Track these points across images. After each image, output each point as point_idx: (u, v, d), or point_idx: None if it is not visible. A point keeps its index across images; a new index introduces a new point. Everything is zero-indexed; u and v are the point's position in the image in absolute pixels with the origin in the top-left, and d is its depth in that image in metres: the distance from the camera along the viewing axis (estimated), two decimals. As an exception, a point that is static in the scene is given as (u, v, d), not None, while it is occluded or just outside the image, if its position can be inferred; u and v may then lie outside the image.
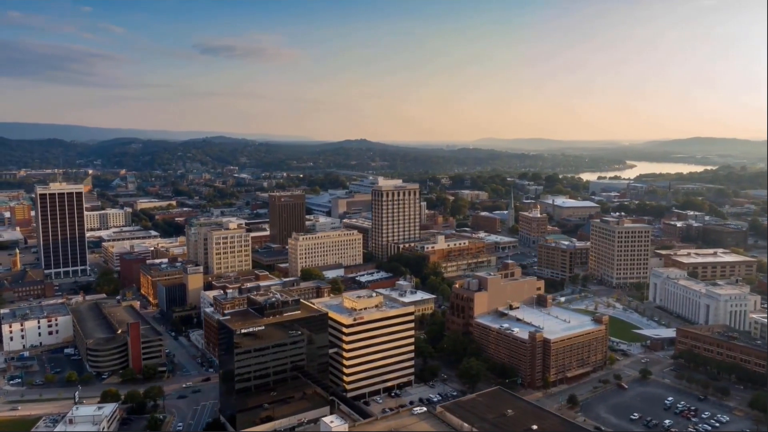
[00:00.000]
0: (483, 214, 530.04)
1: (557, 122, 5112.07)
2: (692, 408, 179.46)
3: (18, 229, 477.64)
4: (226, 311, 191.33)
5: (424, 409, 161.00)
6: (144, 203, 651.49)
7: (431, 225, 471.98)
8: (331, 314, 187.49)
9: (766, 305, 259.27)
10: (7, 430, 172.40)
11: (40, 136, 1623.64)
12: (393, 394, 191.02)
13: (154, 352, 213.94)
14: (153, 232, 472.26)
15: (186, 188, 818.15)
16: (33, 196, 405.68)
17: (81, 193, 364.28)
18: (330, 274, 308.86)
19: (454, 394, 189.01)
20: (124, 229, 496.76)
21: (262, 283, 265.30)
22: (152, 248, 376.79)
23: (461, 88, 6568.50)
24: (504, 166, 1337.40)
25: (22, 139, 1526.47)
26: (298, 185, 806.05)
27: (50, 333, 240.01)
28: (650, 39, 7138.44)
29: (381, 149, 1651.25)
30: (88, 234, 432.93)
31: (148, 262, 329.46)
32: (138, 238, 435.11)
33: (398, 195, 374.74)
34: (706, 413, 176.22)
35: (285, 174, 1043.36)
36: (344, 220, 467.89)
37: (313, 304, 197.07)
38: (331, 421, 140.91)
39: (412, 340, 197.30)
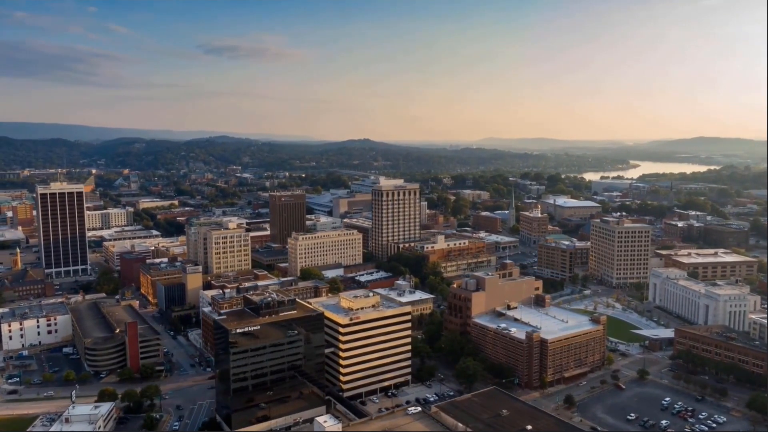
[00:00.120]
0: (484, 213, 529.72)
1: (561, 122, 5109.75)
2: (689, 408, 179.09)
3: (20, 228, 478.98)
4: (222, 311, 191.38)
5: (419, 409, 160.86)
6: (146, 203, 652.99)
7: (432, 225, 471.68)
8: (328, 314, 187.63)
9: (766, 306, 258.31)
10: (3, 428, 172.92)
11: (45, 136, 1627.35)
12: (390, 394, 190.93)
13: (151, 351, 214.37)
14: (154, 232, 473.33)
15: (188, 188, 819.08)
16: (35, 195, 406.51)
17: (82, 192, 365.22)
18: (329, 274, 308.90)
19: (451, 394, 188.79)
20: (126, 228, 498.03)
21: (261, 283, 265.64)
22: (153, 248, 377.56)
23: (466, 88, 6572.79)
24: (507, 165, 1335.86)
25: (26, 138, 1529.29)
26: (300, 185, 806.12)
27: (49, 332, 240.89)
28: (654, 39, 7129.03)
29: (384, 149, 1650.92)
30: (89, 233, 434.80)
31: (148, 261, 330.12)
32: (139, 237, 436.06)
33: (398, 195, 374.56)
34: (704, 414, 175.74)
35: (287, 174, 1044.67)
36: (344, 220, 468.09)
37: (310, 303, 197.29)
38: (325, 421, 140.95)
39: (408, 340, 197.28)
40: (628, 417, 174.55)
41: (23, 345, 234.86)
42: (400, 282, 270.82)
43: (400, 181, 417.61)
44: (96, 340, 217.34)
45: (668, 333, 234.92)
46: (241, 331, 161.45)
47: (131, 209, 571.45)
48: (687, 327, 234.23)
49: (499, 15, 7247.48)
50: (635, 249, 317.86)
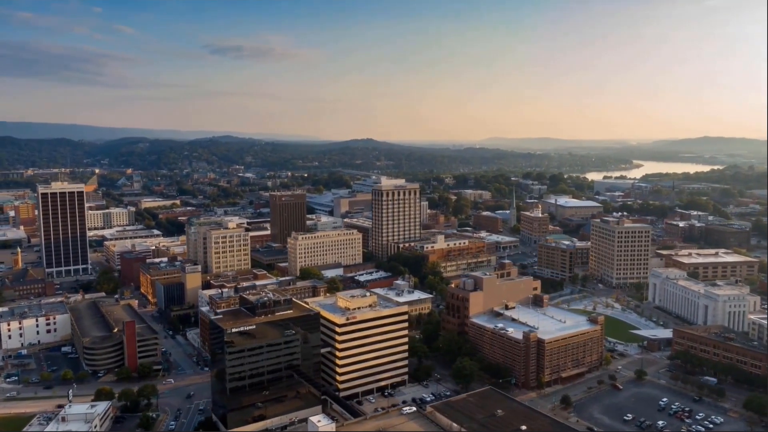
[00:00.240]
0: (485, 213, 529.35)
1: (565, 122, 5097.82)
2: (686, 409, 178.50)
3: (22, 228, 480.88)
4: (218, 310, 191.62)
5: (414, 408, 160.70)
6: (148, 202, 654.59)
7: (433, 224, 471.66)
8: (324, 313, 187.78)
9: (766, 306, 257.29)
10: (1, 427, 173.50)
11: (49, 136, 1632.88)
12: (386, 393, 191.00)
13: (149, 350, 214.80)
14: (155, 231, 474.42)
15: (190, 187, 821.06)
16: (36, 195, 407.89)
17: (82, 192, 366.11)
18: (329, 274, 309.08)
19: (448, 393, 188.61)
20: (127, 228, 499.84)
21: (259, 283, 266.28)
22: (153, 247, 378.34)
23: (470, 89, 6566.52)
24: (510, 165, 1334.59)
25: (30, 138, 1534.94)
26: (303, 184, 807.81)
27: (48, 331, 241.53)
28: (658, 39, 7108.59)
29: (386, 148, 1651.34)
30: (91, 233, 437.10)
31: (148, 261, 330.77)
32: (140, 237, 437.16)
33: (398, 195, 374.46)
34: (701, 414, 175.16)
35: (290, 173, 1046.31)
36: (345, 220, 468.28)
37: (307, 303, 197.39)
38: (319, 421, 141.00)
39: (405, 339, 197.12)
40: (625, 417, 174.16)
41: (22, 344, 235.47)
42: (398, 282, 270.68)
43: (401, 181, 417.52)
44: (94, 339, 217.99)
45: (667, 333, 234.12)
46: (236, 330, 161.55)
47: (133, 209, 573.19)
48: (685, 327, 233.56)
49: (504, 15, 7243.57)
50: (635, 249, 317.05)
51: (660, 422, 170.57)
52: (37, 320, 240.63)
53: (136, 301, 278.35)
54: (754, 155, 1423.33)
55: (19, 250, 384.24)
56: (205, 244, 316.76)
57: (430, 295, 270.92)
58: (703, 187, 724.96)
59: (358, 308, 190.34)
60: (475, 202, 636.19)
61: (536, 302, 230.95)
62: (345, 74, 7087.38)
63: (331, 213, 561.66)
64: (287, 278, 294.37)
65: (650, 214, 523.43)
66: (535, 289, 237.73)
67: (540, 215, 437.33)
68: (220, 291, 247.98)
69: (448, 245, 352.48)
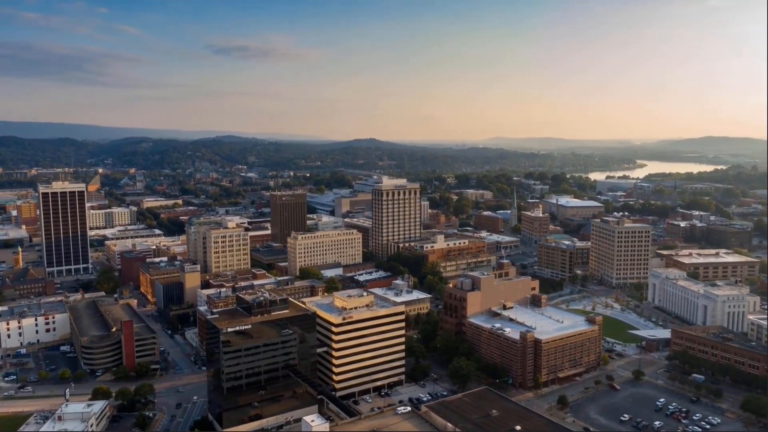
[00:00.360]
0: (486, 213, 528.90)
1: (568, 122, 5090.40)
2: (683, 410, 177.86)
3: (24, 227, 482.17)
4: (215, 310, 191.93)
5: (409, 408, 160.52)
6: (150, 202, 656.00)
7: (434, 224, 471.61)
8: (321, 313, 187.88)
9: (766, 306, 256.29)
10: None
11: (53, 136, 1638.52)
12: (383, 393, 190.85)
13: (147, 350, 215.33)
14: (157, 231, 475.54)
15: (193, 187, 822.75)
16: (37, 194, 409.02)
17: (83, 192, 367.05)
18: (329, 274, 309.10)
19: (445, 393, 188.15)
20: (129, 227, 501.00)
21: (258, 282, 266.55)
22: (154, 247, 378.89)
23: (474, 88, 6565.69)
24: (512, 165, 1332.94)
25: (34, 138, 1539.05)
26: (305, 184, 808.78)
27: (47, 330, 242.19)
28: (662, 39, 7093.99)
29: (389, 148, 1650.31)
30: (92, 232, 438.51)
31: (148, 260, 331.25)
32: (141, 236, 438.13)
33: (399, 194, 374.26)
34: (698, 415, 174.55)
35: (292, 173, 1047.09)
36: (345, 219, 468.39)
37: (304, 303, 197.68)
38: (312, 420, 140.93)
39: (402, 339, 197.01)
40: (622, 418, 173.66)
41: (21, 343, 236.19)
42: (397, 282, 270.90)
43: (402, 181, 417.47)
44: (92, 338, 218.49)
45: (665, 334, 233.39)
46: (232, 330, 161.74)
47: (135, 208, 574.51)
48: (684, 328, 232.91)
49: (507, 16, 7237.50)
50: (635, 249, 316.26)
51: (656, 423, 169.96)
52: (36, 319, 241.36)
53: (135, 301, 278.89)
54: (757, 155, 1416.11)
55: (20, 249, 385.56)
56: (205, 244, 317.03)
57: (429, 295, 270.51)
58: (705, 187, 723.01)
59: (355, 308, 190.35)
60: (477, 201, 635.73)
61: (534, 302, 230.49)
62: (348, 74, 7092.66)
63: (332, 213, 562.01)
64: (285, 278, 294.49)
65: (652, 214, 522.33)
66: (534, 289, 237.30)
67: (540, 215, 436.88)
68: (218, 291, 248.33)
69: (447, 245, 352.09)
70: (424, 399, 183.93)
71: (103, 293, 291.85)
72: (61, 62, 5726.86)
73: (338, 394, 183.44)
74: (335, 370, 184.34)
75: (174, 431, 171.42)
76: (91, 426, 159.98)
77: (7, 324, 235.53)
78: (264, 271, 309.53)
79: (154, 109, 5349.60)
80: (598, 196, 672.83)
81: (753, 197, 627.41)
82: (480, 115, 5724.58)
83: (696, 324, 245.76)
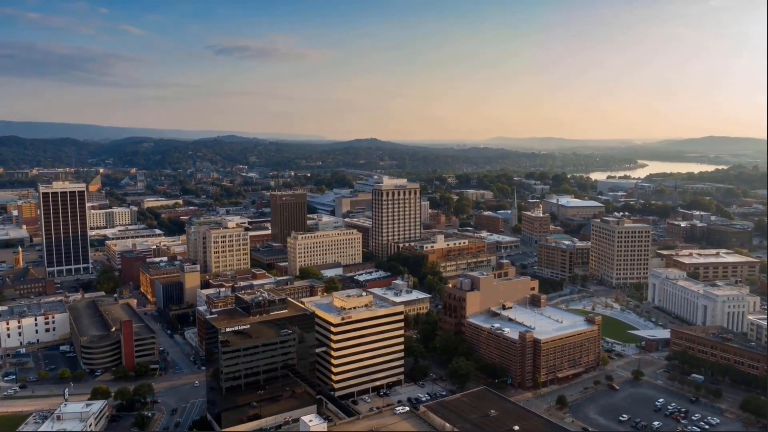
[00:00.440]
0: (486, 213, 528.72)
1: (570, 122, 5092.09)
2: (682, 410, 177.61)
3: (24, 227, 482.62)
4: (213, 309, 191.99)
5: (407, 408, 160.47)
6: (151, 202, 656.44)
7: (434, 224, 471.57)
8: (320, 313, 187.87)
9: (766, 307, 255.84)
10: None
11: (54, 136, 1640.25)
12: (382, 393, 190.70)
13: (146, 349, 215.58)
14: (157, 231, 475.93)
15: (193, 187, 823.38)
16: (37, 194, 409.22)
17: (83, 192, 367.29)
18: (328, 273, 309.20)
19: (444, 393, 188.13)
20: (129, 227, 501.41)
21: (257, 282, 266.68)
22: (154, 247, 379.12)
23: (476, 89, 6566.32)
24: (514, 165, 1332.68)
25: (36, 138, 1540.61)
26: (305, 184, 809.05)
27: (47, 330, 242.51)
28: (663, 39, 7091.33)
29: (391, 148, 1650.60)
30: (93, 232, 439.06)
31: (148, 260, 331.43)
32: (142, 236, 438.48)
33: (399, 194, 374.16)
34: (697, 415, 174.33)
35: (293, 173, 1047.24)
36: (345, 219, 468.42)
37: (303, 303, 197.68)
38: (310, 420, 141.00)
39: (401, 339, 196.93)
40: (621, 418, 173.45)
41: (21, 343, 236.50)
42: (397, 281, 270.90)
43: (402, 181, 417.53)
44: (92, 338, 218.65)
45: (665, 334, 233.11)
46: (230, 330, 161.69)
47: (135, 208, 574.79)
48: (684, 328, 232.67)
49: (511, 17, 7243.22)
50: (635, 249, 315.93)
51: (655, 423, 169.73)
52: (35, 319, 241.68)
53: (135, 301, 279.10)
54: (759, 155, 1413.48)
55: (20, 249, 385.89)
56: (205, 244, 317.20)
57: (428, 295, 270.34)
58: (706, 187, 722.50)
59: (354, 308, 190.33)
60: (477, 201, 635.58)
61: (534, 302, 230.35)
62: (350, 74, 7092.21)
63: (332, 213, 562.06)
64: (285, 278, 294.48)
65: (652, 214, 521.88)
66: (533, 289, 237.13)
67: (541, 215, 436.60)
68: (217, 290, 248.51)
69: (447, 245, 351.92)
70: (423, 399, 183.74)
71: (102, 293, 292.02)
72: (63, 62, 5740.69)
73: (337, 394, 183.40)
74: (334, 370, 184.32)
75: (173, 431, 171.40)
76: (90, 426, 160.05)
77: (7, 324, 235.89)
78: (264, 271, 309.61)
79: (156, 109, 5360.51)
80: (599, 196, 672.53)
81: (754, 197, 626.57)
82: (482, 115, 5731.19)
83: (696, 324, 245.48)
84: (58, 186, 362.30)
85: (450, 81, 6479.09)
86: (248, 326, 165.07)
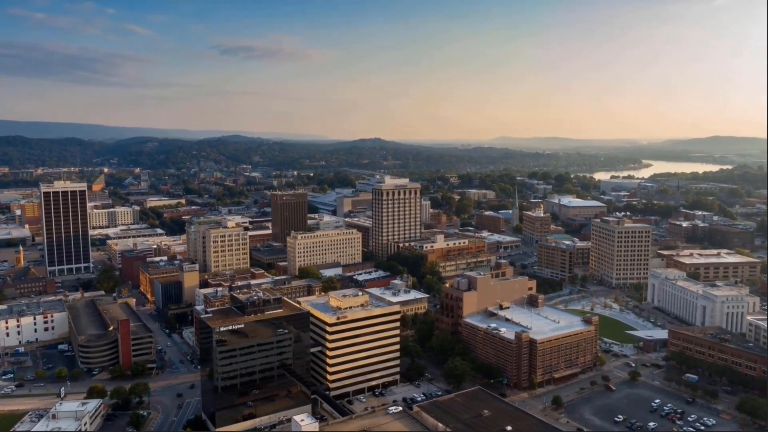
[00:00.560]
0: (487, 213, 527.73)
1: (575, 121, 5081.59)
2: (678, 411, 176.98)
3: (27, 226, 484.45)
4: (209, 309, 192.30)
5: (400, 408, 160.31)
6: (154, 201, 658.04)
7: (435, 224, 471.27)
8: (315, 313, 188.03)
9: (766, 307, 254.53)
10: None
11: (60, 135, 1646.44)
12: (377, 393, 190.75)
13: (144, 349, 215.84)
14: (159, 230, 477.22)
15: (196, 186, 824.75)
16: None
17: (84, 191, 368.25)
18: (328, 273, 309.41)
19: (439, 393, 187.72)
20: (131, 227, 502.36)
21: (255, 282, 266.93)
22: (155, 246, 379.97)
23: (481, 89, 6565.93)
24: (517, 165, 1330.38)
25: (41, 137, 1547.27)
26: (308, 184, 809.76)
27: (46, 329, 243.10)
28: (668, 39, 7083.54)
29: (394, 148, 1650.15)
30: (95, 232, 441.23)
31: (148, 259, 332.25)
32: (143, 236, 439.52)
33: (399, 194, 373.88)
34: (693, 416, 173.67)
35: (296, 173, 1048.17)
36: (346, 219, 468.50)
37: (299, 303, 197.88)
38: (302, 420, 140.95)
39: (397, 339, 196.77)
40: (616, 419, 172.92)
41: (20, 342, 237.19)
42: (395, 281, 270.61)
43: (404, 181, 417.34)
44: (89, 337, 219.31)
45: (663, 334, 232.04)
46: (224, 329, 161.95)
47: (138, 208, 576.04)
48: (682, 328, 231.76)
49: (515, 18, 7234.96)
50: (635, 249, 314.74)
51: (651, 424, 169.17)
52: (35, 318, 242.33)
53: (134, 300, 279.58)
54: (764, 155, 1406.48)
55: (21, 248, 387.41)
56: (204, 243, 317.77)
57: (427, 295, 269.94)
58: (710, 187, 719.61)
59: (350, 307, 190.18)
60: (479, 201, 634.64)
61: (531, 302, 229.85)
62: (355, 74, 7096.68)
63: (334, 212, 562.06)
64: (282, 277, 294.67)
65: (655, 214, 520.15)
66: (531, 289, 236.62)
67: (542, 215, 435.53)
68: (215, 290, 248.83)
69: (447, 245, 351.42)
70: (419, 399, 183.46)
71: (102, 292, 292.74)
72: (69, 62, 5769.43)
73: (332, 393, 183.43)
74: (329, 369, 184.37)
75: (167, 431, 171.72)
76: (85, 424, 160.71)
77: (6, 323, 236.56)
78: (263, 271, 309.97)
79: (161, 109, 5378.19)
80: (602, 196, 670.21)
81: (758, 197, 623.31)
82: (486, 115, 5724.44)
83: (695, 325, 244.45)
84: (59, 185, 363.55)
85: (454, 81, 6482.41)
86: (242, 325, 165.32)
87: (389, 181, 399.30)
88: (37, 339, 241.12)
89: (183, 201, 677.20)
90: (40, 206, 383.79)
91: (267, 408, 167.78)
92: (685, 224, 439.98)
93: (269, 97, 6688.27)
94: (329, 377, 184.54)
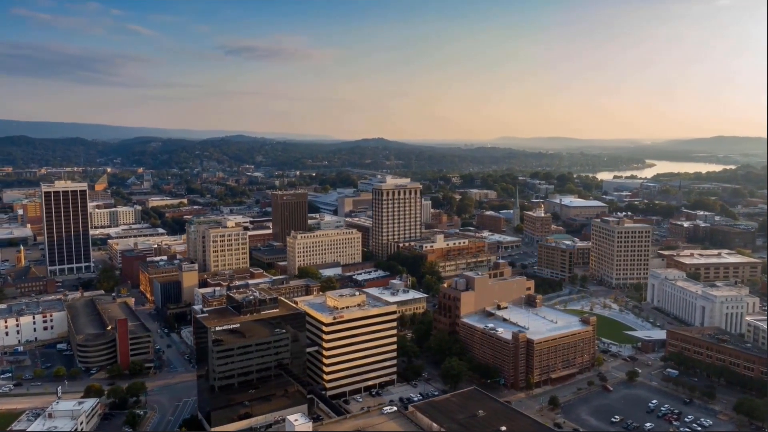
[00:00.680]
0: (488, 213, 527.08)
1: (578, 121, 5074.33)
2: (675, 411, 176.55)
3: (29, 226, 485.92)
4: (204, 308, 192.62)
5: (395, 408, 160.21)
6: (156, 201, 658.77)
7: (436, 224, 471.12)
8: (312, 312, 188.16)
9: (766, 307, 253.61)
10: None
11: (64, 135, 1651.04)
12: (374, 393, 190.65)
13: (141, 348, 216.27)
14: (160, 230, 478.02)
15: (199, 186, 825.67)
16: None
17: (85, 191, 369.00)
18: (327, 273, 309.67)
19: (436, 393, 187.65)
20: (133, 226, 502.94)
21: (253, 281, 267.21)
22: (156, 246, 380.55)
23: (484, 89, 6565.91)
24: (520, 165, 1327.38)
25: (45, 137, 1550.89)
26: (310, 183, 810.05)
27: (45, 328, 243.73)
28: (671, 38, 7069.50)
29: (397, 148, 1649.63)
30: (97, 231, 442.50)
31: (148, 259, 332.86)
32: (144, 235, 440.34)
33: (399, 194, 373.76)
34: (690, 417, 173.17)
35: (298, 173, 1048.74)
36: (346, 219, 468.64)
37: (296, 302, 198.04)
38: (296, 420, 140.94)
39: (394, 339, 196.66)
40: (613, 419, 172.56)
41: (19, 341, 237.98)
42: (394, 281, 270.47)
43: (405, 180, 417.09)
44: (87, 336, 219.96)
45: (661, 334, 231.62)
46: (219, 329, 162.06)
47: (139, 207, 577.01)
48: (680, 329, 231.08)
49: (518, 17, 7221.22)
50: (635, 249, 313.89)
51: (647, 424, 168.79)
52: (34, 317, 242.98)
53: (133, 299, 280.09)
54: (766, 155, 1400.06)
55: (22, 247, 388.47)
56: (204, 243, 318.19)
57: (425, 295, 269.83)
58: (712, 187, 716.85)
59: (346, 307, 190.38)
60: (480, 201, 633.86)
61: (529, 302, 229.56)
62: (358, 74, 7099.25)
63: (335, 212, 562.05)
64: (280, 277, 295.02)
65: (657, 214, 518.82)
66: (529, 289, 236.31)
67: (542, 215, 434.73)
68: (213, 289, 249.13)
69: (447, 245, 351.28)
70: (415, 399, 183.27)
71: (102, 291, 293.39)
72: (73, 62, 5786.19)
73: (329, 393, 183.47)
74: (326, 369, 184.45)
75: (163, 430, 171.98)
76: (81, 423, 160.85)
77: (5, 322, 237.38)
78: (262, 270, 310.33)
79: (165, 109, 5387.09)
80: (604, 196, 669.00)
81: (760, 197, 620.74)
82: (489, 115, 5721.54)
83: (694, 325, 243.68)
84: (60, 185, 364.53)
85: (456, 81, 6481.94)
86: (238, 325, 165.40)
87: (390, 181, 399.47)
88: (36, 338, 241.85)
89: (185, 201, 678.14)
90: (41, 206, 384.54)
91: (263, 408, 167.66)
92: (686, 224, 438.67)
93: (272, 97, 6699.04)
94: (326, 377, 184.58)
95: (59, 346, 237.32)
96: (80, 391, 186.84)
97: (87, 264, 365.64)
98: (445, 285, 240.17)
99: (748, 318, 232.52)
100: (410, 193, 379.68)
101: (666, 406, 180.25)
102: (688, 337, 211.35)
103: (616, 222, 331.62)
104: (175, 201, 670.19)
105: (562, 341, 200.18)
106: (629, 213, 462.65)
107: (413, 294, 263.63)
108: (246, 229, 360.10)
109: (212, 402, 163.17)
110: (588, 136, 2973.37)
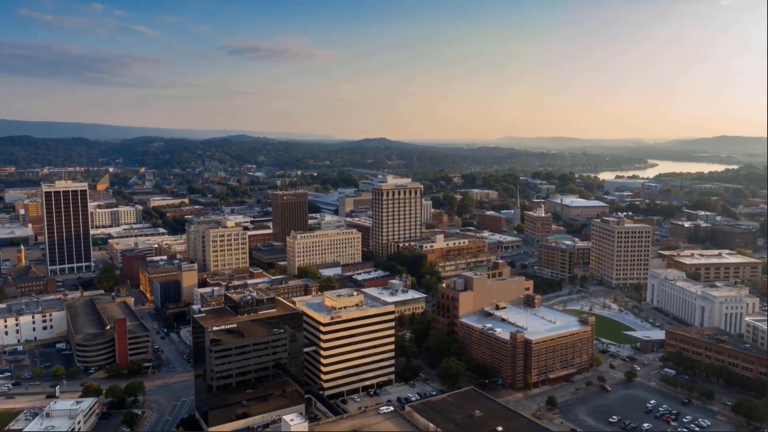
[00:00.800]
0: (489, 213, 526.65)
1: (580, 121, 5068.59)
2: (674, 412, 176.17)
3: (30, 225, 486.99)
4: (202, 308, 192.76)
5: (391, 408, 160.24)
6: (157, 201, 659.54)
7: (436, 224, 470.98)
8: (310, 312, 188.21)
9: (766, 308, 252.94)
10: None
11: (66, 135, 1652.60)
12: (372, 393, 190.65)
13: (140, 348, 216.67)
14: (161, 230, 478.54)
15: (200, 186, 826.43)
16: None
17: (85, 190, 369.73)
18: (327, 273, 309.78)
19: (434, 393, 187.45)
20: (134, 226, 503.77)
21: (252, 281, 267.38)
22: (156, 245, 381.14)
23: (486, 89, 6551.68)
24: (522, 165, 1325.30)
25: (48, 137, 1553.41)
26: (311, 183, 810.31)
27: (44, 328, 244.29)
28: (673, 38, 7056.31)
29: (399, 148, 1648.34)
30: (98, 231, 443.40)
31: (148, 259, 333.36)
32: (145, 235, 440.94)
33: (399, 194, 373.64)
34: (688, 417, 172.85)
35: (300, 172, 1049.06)
36: (347, 219, 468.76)
37: (294, 302, 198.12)
38: (292, 420, 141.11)
39: (392, 339, 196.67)
40: (611, 419, 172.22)
41: (19, 340, 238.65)
42: (393, 281, 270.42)
43: (406, 180, 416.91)
44: (86, 336, 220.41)
45: (660, 335, 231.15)
46: (216, 329, 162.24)
47: (141, 207, 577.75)
48: (679, 329, 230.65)
49: (520, 17, 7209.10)
50: (635, 249, 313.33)
51: (645, 424, 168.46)
52: (33, 317, 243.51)
53: (132, 299, 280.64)
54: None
55: (23, 247, 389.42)
56: (204, 243, 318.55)
57: (424, 295, 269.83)
58: (714, 187, 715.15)
59: (344, 307, 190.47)
60: (481, 201, 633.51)
61: (528, 302, 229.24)
62: (360, 74, 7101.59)
63: (336, 212, 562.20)
64: (279, 277, 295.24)
65: (658, 214, 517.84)
66: (528, 289, 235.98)
67: (543, 215, 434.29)
68: (212, 289, 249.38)
69: (447, 245, 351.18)
70: (413, 399, 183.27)
71: (102, 291, 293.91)
72: (77, 63, 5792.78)
73: (326, 393, 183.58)
74: (323, 369, 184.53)
75: (160, 430, 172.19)
76: (79, 423, 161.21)
77: (5, 321, 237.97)
78: (261, 270, 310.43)
79: (167, 109, 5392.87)
80: (605, 196, 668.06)
81: (762, 197, 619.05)
82: (491, 115, 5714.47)
83: (693, 325, 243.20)
84: (61, 185, 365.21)
85: (459, 80, 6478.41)
86: (235, 325, 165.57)
87: (390, 181, 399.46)
88: (35, 338, 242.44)
89: (186, 200, 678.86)
90: (41, 205, 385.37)
91: (260, 407, 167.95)
92: (687, 224, 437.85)
93: (274, 97, 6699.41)
94: (323, 377, 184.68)
95: (58, 345, 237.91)
96: (78, 391, 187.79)
97: (87, 264, 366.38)
98: (444, 285, 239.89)
99: (747, 318, 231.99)
100: (410, 193, 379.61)
101: (664, 406, 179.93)
102: (686, 337, 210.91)
103: (616, 222, 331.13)
104: (177, 201, 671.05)
105: (561, 341, 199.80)
106: (630, 213, 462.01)
107: (412, 294, 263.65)
108: (246, 228, 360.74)
109: (210, 402, 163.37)
110: (591, 136, 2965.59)
